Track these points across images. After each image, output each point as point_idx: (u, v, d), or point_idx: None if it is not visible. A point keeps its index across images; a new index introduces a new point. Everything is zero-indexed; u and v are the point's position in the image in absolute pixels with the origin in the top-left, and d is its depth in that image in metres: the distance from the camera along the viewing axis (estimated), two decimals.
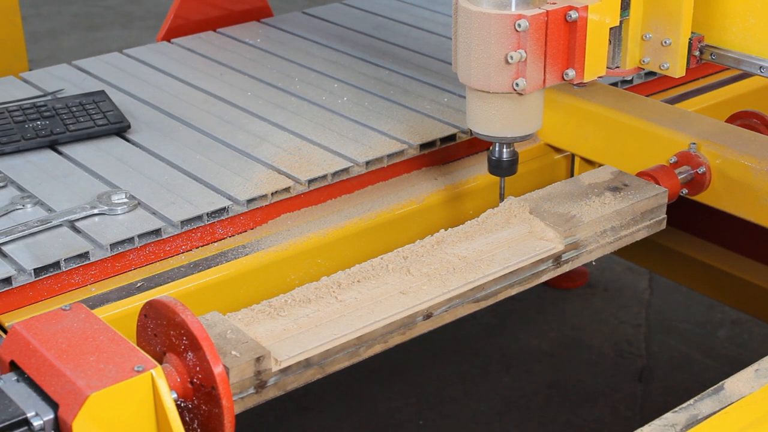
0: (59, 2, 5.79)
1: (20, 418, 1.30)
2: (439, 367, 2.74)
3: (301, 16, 2.88)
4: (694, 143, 1.95)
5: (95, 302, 1.72)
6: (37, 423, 1.30)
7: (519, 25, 1.64)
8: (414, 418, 2.58)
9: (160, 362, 1.41)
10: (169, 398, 1.34)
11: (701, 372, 2.73)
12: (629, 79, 2.36)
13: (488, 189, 2.12)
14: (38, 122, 2.14)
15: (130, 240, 1.78)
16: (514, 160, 1.85)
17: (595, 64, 1.73)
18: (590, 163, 2.27)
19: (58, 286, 1.73)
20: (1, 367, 1.41)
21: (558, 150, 2.26)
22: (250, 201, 1.90)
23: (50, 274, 1.71)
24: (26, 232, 1.78)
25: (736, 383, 1.53)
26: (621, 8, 1.78)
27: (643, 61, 1.86)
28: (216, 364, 1.36)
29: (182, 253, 1.85)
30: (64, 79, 2.47)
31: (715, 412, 1.48)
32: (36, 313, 1.53)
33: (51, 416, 1.30)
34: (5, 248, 1.75)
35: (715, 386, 1.54)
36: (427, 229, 2.03)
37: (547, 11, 1.66)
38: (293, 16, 2.89)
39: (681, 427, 1.46)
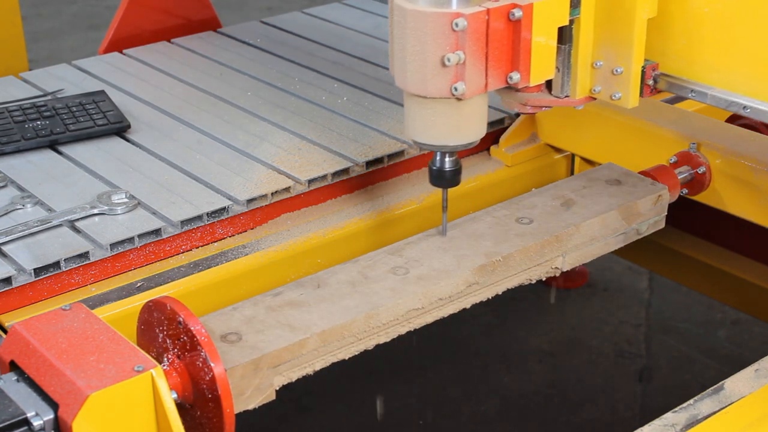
0: (59, 2, 5.79)
1: (20, 418, 1.30)
2: (439, 367, 2.74)
3: (301, 16, 2.88)
4: (694, 143, 1.95)
5: (95, 302, 1.72)
6: (37, 423, 1.30)
7: (456, 25, 1.49)
8: (414, 418, 2.58)
9: (160, 362, 1.41)
10: (169, 398, 1.34)
11: (701, 372, 2.73)
12: None
13: (488, 189, 2.12)
14: (38, 122, 2.14)
15: (130, 240, 1.78)
16: (457, 170, 1.70)
17: (543, 66, 1.59)
18: (590, 163, 2.27)
19: (58, 286, 1.73)
20: (1, 367, 1.41)
21: (558, 150, 2.25)
22: (250, 201, 1.90)
23: (50, 274, 1.71)
24: (26, 232, 1.78)
25: (736, 383, 1.53)
26: (571, 5, 1.61)
27: (594, 90, 1.70)
28: (216, 363, 1.36)
29: (182, 253, 1.85)
30: (64, 79, 2.47)
31: (715, 412, 1.48)
32: (36, 313, 1.53)
33: (51, 416, 1.30)
34: (5, 248, 1.75)
35: (715, 386, 1.54)
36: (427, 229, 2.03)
37: (488, 9, 1.51)
38: (293, 16, 2.89)
39: (681, 427, 1.46)
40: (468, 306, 1.69)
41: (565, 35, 1.65)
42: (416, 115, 1.62)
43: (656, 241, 2.37)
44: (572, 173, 2.30)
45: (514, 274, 1.71)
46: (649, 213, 1.84)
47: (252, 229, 1.92)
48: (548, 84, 1.70)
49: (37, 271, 1.70)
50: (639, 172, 1.90)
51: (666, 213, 1.88)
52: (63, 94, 2.37)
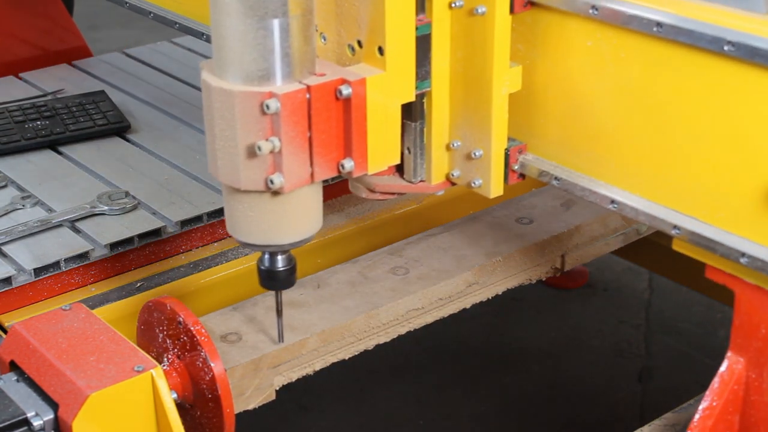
0: None
1: (20, 418, 1.30)
2: (439, 367, 2.74)
3: None
4: None
5: (95, 302, 1.72)
6: (37, 423, 1.30)
7: (267, 107, 1.22)
8: (414, 418, 2.58)
9: (160, 362, 1.41)
10: (169, 398, 1.34)
11: (701, 372, 2.73)
12: None
13: None
14: (38, 122, 2.14)
15: (130, 240, 1.78)
16: (291, 269, 1.42)
17: (384, 150, 1.32)
18: None
19: (58, 286, 1.73)
20: (1, 367, 1.41)
21: None
22: None
23: (50, 274, 1.71)
24: (26, 232, 1.78)
25: None
26: (417, 78, 1.34)
27: (453, 175, 1.43)
28: (216, 363, 1.36)
29: (182, 253, 1.85)
30: (64, 79, 2.46)
31: None
32: (36, 313, 1.54)
33: (51, 416, 1.31)
34: (5, 248, 1.75)
35: None
36: (427, 229, 2.03)
37: (309, 86, 1.24)
38: None
39: (681, 427, 1.46)
40: (468, 306, 1.69)
41: (415, 111, 1.39)
42: (233, 210, 1.35)
43: (656, 241, 2.37)
44: None
45: (514, 274, 1.71)
46: None
47: None
48: (400, 166, 1.44)
49: (37, 271, 1.70)
50: None
51: None
52: (63, 94, 2.37)
